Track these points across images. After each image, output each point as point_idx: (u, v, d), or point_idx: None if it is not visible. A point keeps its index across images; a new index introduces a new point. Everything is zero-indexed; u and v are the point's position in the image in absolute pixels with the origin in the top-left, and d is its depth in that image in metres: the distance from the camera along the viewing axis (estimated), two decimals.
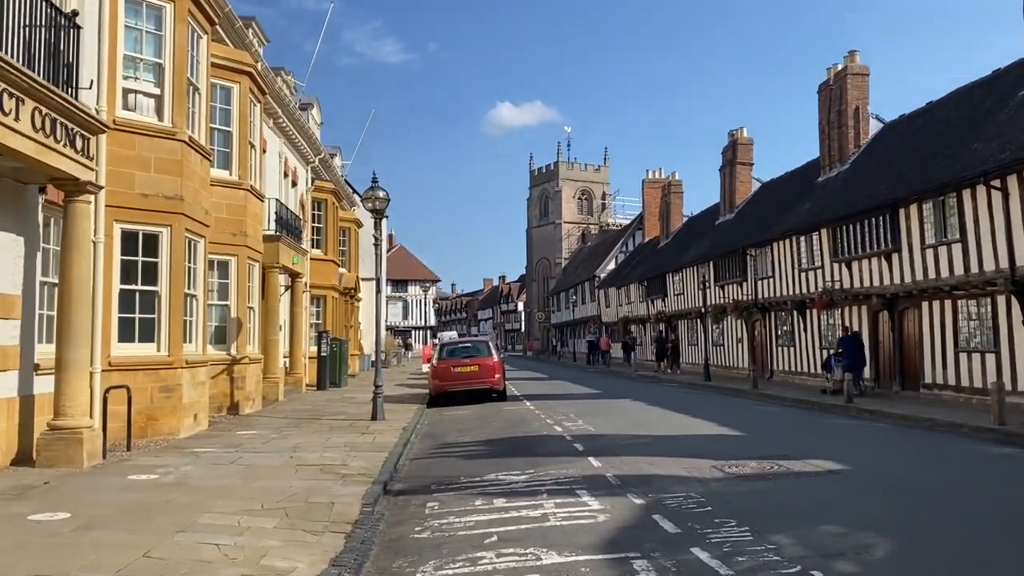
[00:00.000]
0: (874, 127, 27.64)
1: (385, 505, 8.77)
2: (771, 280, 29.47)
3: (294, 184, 28.19)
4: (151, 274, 13.80)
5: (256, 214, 19.50)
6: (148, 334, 13.80)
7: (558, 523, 7.32)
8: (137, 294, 13.67)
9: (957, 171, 18.93)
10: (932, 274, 20.00)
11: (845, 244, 23.93)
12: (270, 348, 21.54)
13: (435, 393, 21.90)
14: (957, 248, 19.04)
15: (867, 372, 23.18)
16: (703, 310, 35.67)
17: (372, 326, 49.33)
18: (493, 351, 22.34)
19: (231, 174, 18.17)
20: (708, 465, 10.09)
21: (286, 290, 25.46)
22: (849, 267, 23.93)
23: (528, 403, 21.07)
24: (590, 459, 10.91)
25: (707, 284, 32.46)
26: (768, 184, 37.01)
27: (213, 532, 7.10)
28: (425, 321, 76.90)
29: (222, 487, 9.24)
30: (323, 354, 27.04)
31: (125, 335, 13.51)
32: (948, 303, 20.15)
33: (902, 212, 21.21)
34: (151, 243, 13.81)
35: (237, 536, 7.02)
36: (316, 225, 31.23)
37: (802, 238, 26.95)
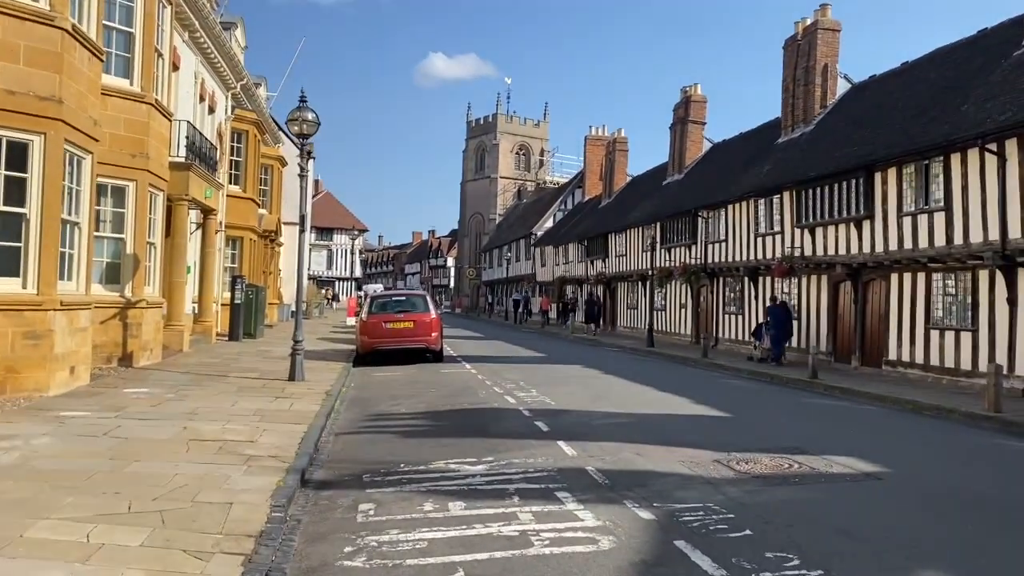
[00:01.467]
0: (842, 87, 26.10)
1: (303, 506, 6.60)
2: (723, 244, 27.92)
3: (211, 111, 25.13)
4: (17, 193, 11.09)
5: (162, 135, 16.69)
6: (11, 267, 11.13)
7: (545, 549, 5.27)
8: None
9: (946, 132, 17.41)
10: (908, 244, 18.58)
11: (810, 209, 22.39)
12: (175, 292, 18.84)
13: (363, 351, 19.59)
14: (940, 217, 17.61)
15: (793, 342, 22.91)
16: (648, 273, 34.08)
17: (294, 274, 46.42)
18: (431, 306, 20.09)
19: (132, 84, 15.31)
20: (709, 459, 8.20)
21: (197, 228, 22.63)
22: (813, 233, 22.45)
23: (468, 366, 18.97)
24: (560, 444, 8.89)
25: (653, 246, 30.76)
26: (721, 145, 35.42)
27: (40, 556, 4.82)
28: (350, 272, 73.70)
29: (80, 472, 6.88)
30: (237, 301, 24.34)
31: None
32: (922, 276, 18.81)
33: (878, 176, 19.71)
34: (18, 154, 11.07)
35: (79, 563, 4.75)
36: (235, 159, 28.21)
37: (761, 201, 25.38)
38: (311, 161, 46.68)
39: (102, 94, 13.60)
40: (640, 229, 36.02)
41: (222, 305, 25.27)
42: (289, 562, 5.16)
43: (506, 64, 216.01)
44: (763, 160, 27.21)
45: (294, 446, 8.54)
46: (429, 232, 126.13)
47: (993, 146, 15.99)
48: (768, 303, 24.68)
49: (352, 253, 72.74)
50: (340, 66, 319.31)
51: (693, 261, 29.87)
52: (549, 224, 57.24)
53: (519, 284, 60.39)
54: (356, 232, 60.22)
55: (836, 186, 21.20)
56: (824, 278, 22.72)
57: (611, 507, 6.31)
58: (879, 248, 19.63)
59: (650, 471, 7.63)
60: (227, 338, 24.11)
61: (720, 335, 28.48)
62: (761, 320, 24.76)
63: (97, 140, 12.97)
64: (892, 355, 19.79)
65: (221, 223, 25.03)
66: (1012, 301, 16.16)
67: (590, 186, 53.81)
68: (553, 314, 50.46)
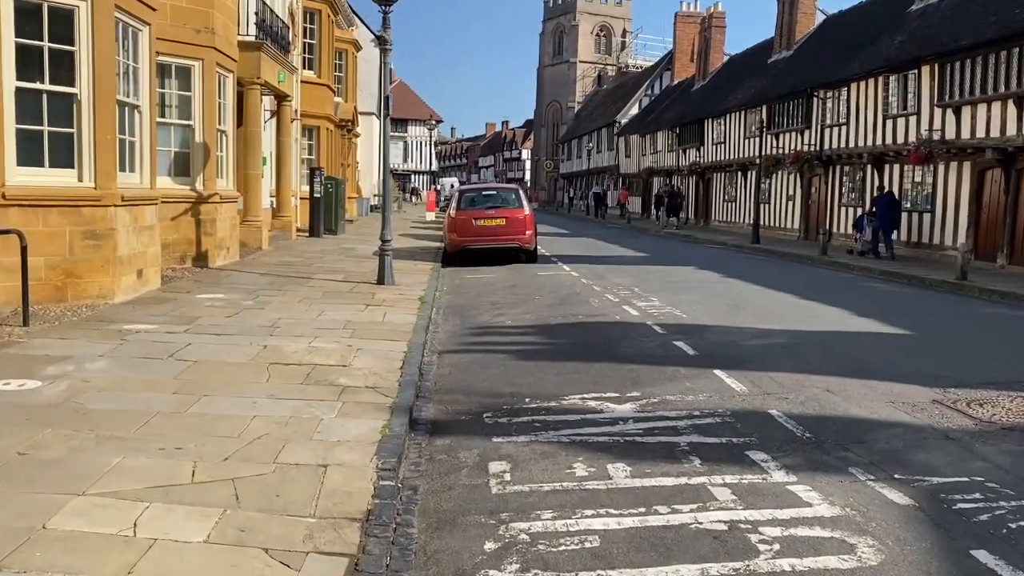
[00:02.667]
0: None
1: (416, 463, 5.06)
2: (843, 128, 25.04)
3: None
4: (64, 69, 9.54)
5: (228, 7, 14.90)
6: (64, 157, 9.71)
7: (781, 564, 3.58)
8: (45, 97, 9.47)
9: None
10: None
11: (957, 85, 19.43)
12: (251, 185, 17.43)
13: (452, 250, 17.98)
14: None
15: (897, 235, 21.41)
16: (752, 161, 31.39)
17: (371, 166, 44.99)
18: (524, 202, 18.19)
19: None
20: (925, 397, 6.36)
21: (271, 116, 21.07)
22: (958, 113, 19.54)
23: (567, 267, 17.20)
24: (718, 374, 7.13)
25: (761, 132, 27.97)
26: (836, 17, 31.78)
27: (64, 570, 3.36)
28: (427, 165, 72.02)
29: (137, 414, 5.46)
30: (316, 195, 22.96)
31: (28, 157, 9.43)
32: None
33: None
34: (62, 22, 9.47)
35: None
36: (308, 42, 26.34)
37: (892, 78, 22.35)
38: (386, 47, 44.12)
39: None
40: (742, 113, 33.05)
41: (300, 199, 23.95)
42: (409, 571, 3.61)
43: None
44: (892, 31, 23.94)
45: (395, 372, 7.01)
46: (503, 123, 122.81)
47: None
48: (876, 192, 22.82)
49: (428, 145, 70.92)
50: None
51: (806, 148, 27.06)
52: (634, 111, 53.98)
53: (601, 176, 57.82)
54: (433, 123, 58.10)
55: (993, 57, 18.19)
56: (967, 165, 19.93)
57: (838, 480, 4.56)
58: None
59: (858, 417, 5.84)
60: (307, 234, 22.88)
61: (835, 230, 25.92)
62: (865, 210, 22.84)
63: (154, 9, 11.27)
64: None
65: (296, 111, 23.38)
66: None
67: (680, 68, 50.22)
68: (635, 208, 48.14)
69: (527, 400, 6.42)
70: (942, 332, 9.96)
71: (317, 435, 5.21)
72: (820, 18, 32.70)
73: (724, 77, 39.73)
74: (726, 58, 43.03)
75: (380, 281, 13.09)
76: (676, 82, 49.94)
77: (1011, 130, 17.79)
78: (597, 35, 75.81)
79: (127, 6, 10.27)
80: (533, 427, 5.69)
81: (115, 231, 10.01)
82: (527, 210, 17.95)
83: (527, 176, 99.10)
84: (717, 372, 7.17)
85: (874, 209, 22.04)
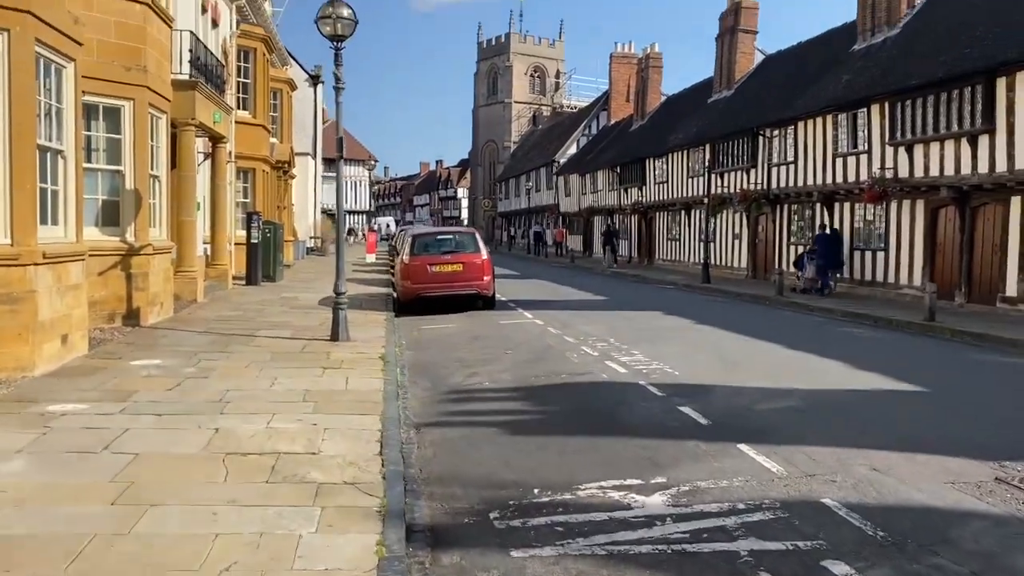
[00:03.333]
0: None
1: None
2: (791, 167, 24.98)
3: (215, 24, 21.99)
4: None
5: (161, 44, 13.78)
6: None
7: None
8: None
9: None
10: None
11: (908, 123, 19.43)
12: (185, 233, 16.18)
13: (405, 298, 16.96)
14: None
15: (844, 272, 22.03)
16: (694, 200, 31.30)
17: (307, 207, 43.58)
18: (481, 246, 17.33)
19: None
20: (987, 475, 5.65)
21: (205, 158, 19.82)
22: (910, 152, 19.52)
23: (528, 314, 16.34)
24: (744, 450, 6.30)
25: (710, 170, 27.80)
26: (775, 57, 32.09)
27: None
28: (363, 205, 70.80)
29: (65, 543, 4.33)
30: (254, 241, 21.70)
31: None
32: None
33: (1002, 82, 16.73)
34: None
35: None
36: (242, 81, 25.19)
37: (841, 116, 22.35)
38: (319, 86, 43.17)
39: None
40: (684, 152, 33.01)
41: (235, 245, 22.63)
42: None
43: None
44: (837, 70, 24.07)
45: (373, 459, 6.00)
46: (437, 162, 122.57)
47: None
48: (818, 231, 23.02)
49: (364, 185, 69.77)
50: None
51: (753, 186, 26.96)
52: (573, 151, 53.98)
53: (541, 215, 57.56)
54: (371, 163, 57.08)
55: (945, 95, 18.22)
56: (920, 203, 19.91)
57: None
58: (1001, 167, 16.78)
59: (926, 506, 5.08)
60: (244, 282, 21.55)
61: (786, 268, 25.77)
62: (807, 249, 23.18)
63: (80, 44, 10.13)
64: (1011, 292, 17.15)
65: (231, 153, 22.17)
66: None
67: (616, 108, 50.46)
68: (576, 246, 48.06)
69: (536, 491, 5.49)
70: (954, 387, 9.31)
71: (299, 562, 4.18)
72: (759, 58, 32.99)
73: (663, 117, 39.86)
74: (664, 98, 43.32)
75: (334, 338, 12.01)
76: (613, 122, 50.12)
77: (966, 168, 17.78)
78: (531, 76, 76.15)
79: (49, 40, 9.14)
80: (555, 532, 4.77)
81: (35, 293, 8.77)
82: (484, 254, 17.10)
83: (462, 215, 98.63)
84: (742, 447, 6.35)
85: (815, 247, 22.46)
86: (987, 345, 13.16)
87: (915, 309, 18.24)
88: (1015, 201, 17.06)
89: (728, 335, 13.29)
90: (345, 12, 11.42)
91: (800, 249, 24.66)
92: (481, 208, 76.59)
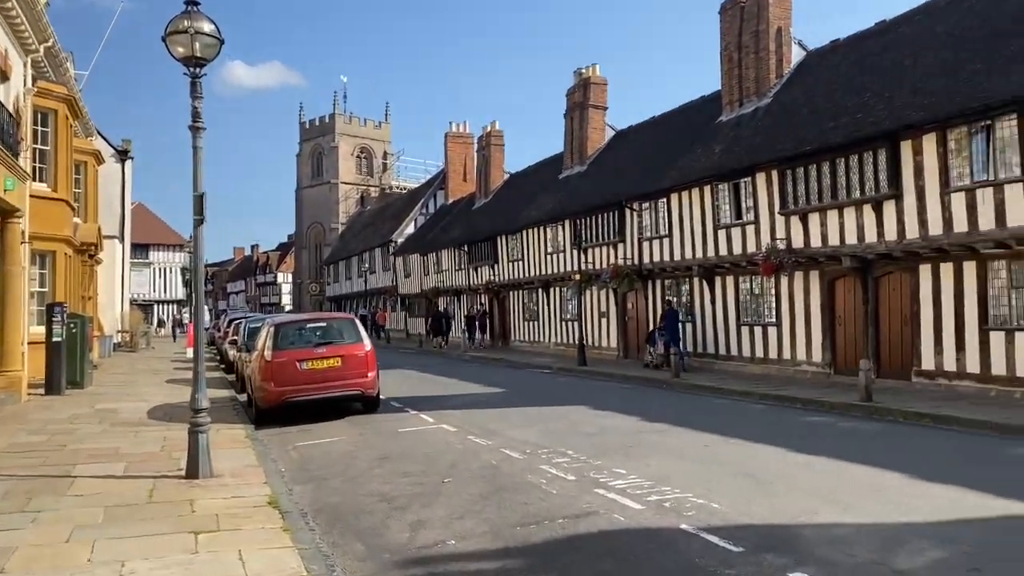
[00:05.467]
0: (796, 55, 22.73)
1: None
2: (665, 241, 23.81)
3: (5, 77, 17.94)
4: None
5: None
6: None
7: None
8: None
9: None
10: (962, 227, 15.00)
11: (802, 191, 18.61)
12: None
13: (266, 404, 13.47)
14: (1016, 189, 14.11)
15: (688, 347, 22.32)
16: (561, 277, 29.63)
17: (114, 297, 38.03)
18: (363, 335, 14.25)
19: None
20: None
21: None
22: (805, 221, 18.66)
23: (427, 416, 13.37)
24: None
25: (578, 246, 26.21)
26: (628, 131, 31.53)
27: None
28: (174, 293, 64.39)
29: None
30: (56, 338, 17.38)
31: None
32: (971, 266, 15.37)
33: (907, 145, 16.11)
34: None
35: None
36: (40, 147, 20.90)
37: (722, 186, 21.42)
38: (128, 162, 38.38)
39: None
40: (540, 229, 31.48)
41: (31, 344, 18.08)
42: None
43: (313, 72, 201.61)
44: (707, 141, 23.36)
45: None
46: (252, 247, 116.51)
47: None
48: (664, 307, 23.26)
49: (174, 272, 63.68)
50: (128, 71, 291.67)
51: (622, 261, 25.58)
52: (411, 230, 51.61)
53: (379, 297, 54.41)
54: (186, 250, 51.85)
55: (842, 161, 17.50)
56: (815, 274, 19.01)
57: None
58: (912, 234, 16.01)
59: None
60: (44, 391, 17.11)
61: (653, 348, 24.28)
62: (656, 326, 23.16)
63: None
64: (928, 365, 16.25)
65: (25, 232, 17.87)
66: None
67: (454, 187, 48.90)
68: (416, 329, 45.79)
69: None
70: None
71: None
72: (610, 133, 32.37)
73: (510, 193, 38.50)
74: (506, 175, 42.15)
75: (192, 474, 8.62)
76: (452, 200, 48.41)
77: (870, 236, 16.96)
78: (358, 156, 73.56)
79: None
80: None
81: None
82: (367, 344, 14.02)
83: (282, 300, 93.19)
84: None
85: (663, 324, 22.40)
86: (959, 428, 11.72)
87: (821, 386, 17.08)
88: (924, 269, 16.33)
89: (704, 436, 10.88)
90: (206, 27, 8.45)
91: (681, 326, 23.38)
92: (307, 292, 72.07)
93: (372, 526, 6.97)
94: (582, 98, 32.18)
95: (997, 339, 14.88)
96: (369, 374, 13.68)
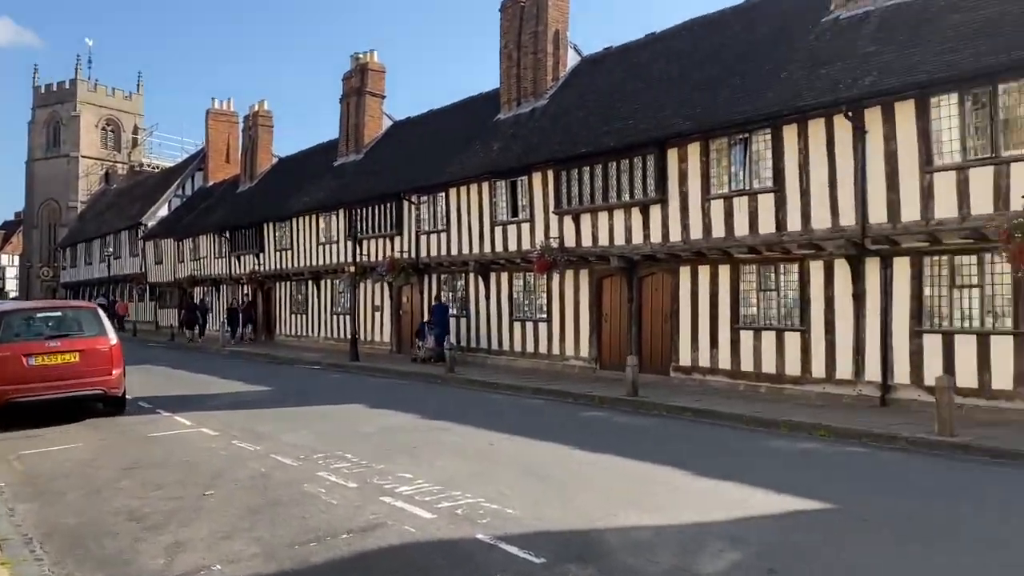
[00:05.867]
0: (571, 59, 23.36)
1: None
2: (442, 235, 23.58)
3: None
4: None
5: None
6: None
7: None
8: None
9: (776, 101, 15.04)
10: (719, 232, 16.04)
11: (576, 192, 19.08)
12: None
13: None
14: (767, 199, 15.26)
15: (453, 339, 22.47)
16: (332, 268, 28.50)
17: None
18: (107, 327, 12.51)
19: None
20: None
21: None
22: (577, 221, 19.17)
23: (182, 419, 12.02)
24: None
25: (338, 237, 25.29)
26: (406, 122, 31.01)
27: None
28: None
29: None
30: None
31: None
32: (725, 269, 16.49)
33: (673, 153, 16.97)
34: None
35: None
36: None
37: (500, 184, 21.53)
38: None
39: None
40: (313, 217, 30.14)
41: None
42: None
43: (53, 31, 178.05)
44: (488, 138, 23.41)
45: None
46: None
47: (853, 113, 13.86)
48: (434, 302, 23.57)
49: None
50: None
51: (400, 255, 25.04)
52: (164, 213, 47.62)
53: (126, 285, 49.72)
54: None
55: (615, 165, 18.12)
56: (585, 273, 19.62)
57: None
58: (675, 237, 16.90)
59: None
60: None
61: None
62: (425, 320, 23.59)
63: None
64: (685, 361, 17.25)
65: None
66: (859, 296, 14.30)
67: (215, 168, 45.82)
68: (167, 321, 42.39)
69: None
70: (859, 502, 7.56)
71: None
72: (388, 122, 31.67)
73: (279, 178, 36.57)
74: (276, 159, 40.06)
75: None
76: (213, 182, 45.25)
77: (637, 238, 17.70)
78: (103, 129, 66.72)
79: None
80: None
81: None
82: (112, 338, 12.35)
83: (10, 286, 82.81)
84: None
85: (431, 318, 22.91)
86: (725, 423, 12.42)
87: (588, 381, 17.66)
88: (684, 271, 17.29)
89: (487, 434, 10.62)
90: None
91: (456, 321, 23.36)
92: (38, 278, 64.42)
93: (119, 551, 5.93)
94: (359, 84, 31.18)
95: (747, 337, 16.04)
96: (114, 371, 12.07)
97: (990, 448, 10.02)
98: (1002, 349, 12.48)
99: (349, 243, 26.54)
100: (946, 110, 12.83)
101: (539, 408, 14.04)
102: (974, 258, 12.94)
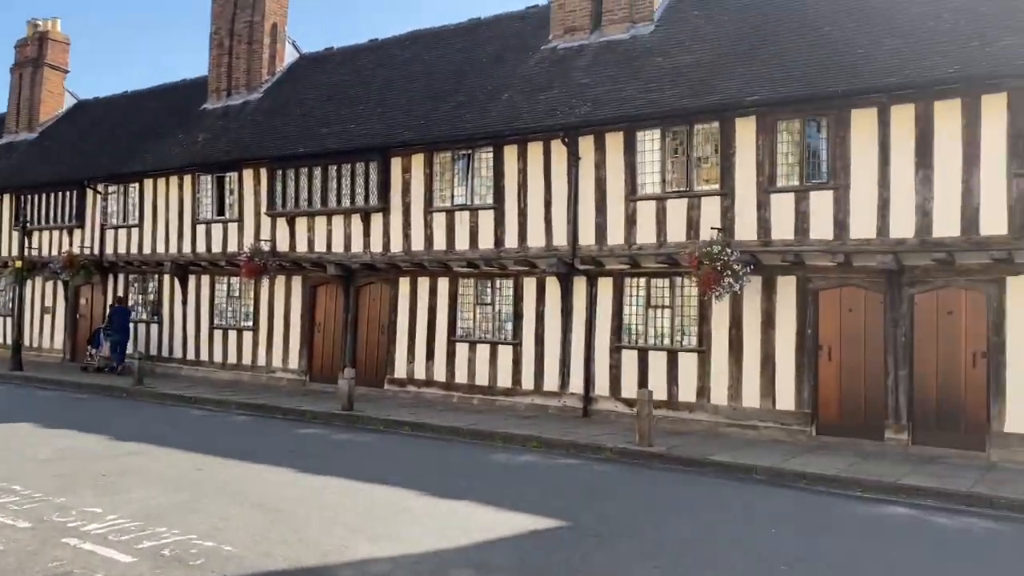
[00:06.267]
0: (290, 55, 22.28)
1: None
2: (135, 231, 21.27)
3: None
4: None
5: None
6: None
7: None
8: None
9: (507, 121, 15.37)
10: (441, 244, 16.05)
11: (292, 193, 18.13)
12: None
13: None
14: (488, 215, 15.54)
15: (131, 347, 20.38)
16: (6, 262, 24.50)
17: None
18: None
19: None
20: None
21: None
22: (292, 224, 18.25)
23: None
24: None
25: (24, 228, 21.89)
26: (92, 102, 27.62)
27: None
28: None
29: None
30: None
31: None
32: (444, 281, 16.59)
33: (397, 162, 16.75)
34: None
35: None
36: None
37: (205, 179, 19.90)
38: None
39: None
40: None
41: None
42: None
43: None
44: (192, 128, 21.52)
45: None
46: None
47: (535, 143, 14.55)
48: (113, 303, 21.30)
49: None
50: None
51: (80, 250, 22.14)
52: None
53: None
54: None
55: (335, 169, 17.50)
56: (298, 279, 18.75)
57: None
58: (396, 247, 16.66)
59: None
60: None
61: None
62: (103, 325, 21.12)
63: None
64: (400, 372, 17.09)
65: None
66: (567, 312, 15.04)
67: None
68: None
69: None
70: (590, 518, 7.61)
71: None
72: (71, 101, 28.04)
73: None
74: None
75: None
76: None
77: (356, 246, 17.22)
78: None
79: None
80: None
81: None
82: None
83: None
84: None
85: (111, 322, 20.57)
86: (443, 438, 12.33)
87: (298, 394, 16.90)
88: (404, 282, 17.13)
89: (193, 457, 9.40)
90: None
91: (148, 327, 21.17)
92: None
93: None
94: (37, 54, 27.28)
95: (462, 349, 16.21)
96: None
97: (682, 457, 10.93)
98: (688, 365, 13.76)
99: (14, 234, 22.96)
100: (650, 144, 13.92)
101: (248, 426, 13.00)
102: (667, 281, 14.15)
